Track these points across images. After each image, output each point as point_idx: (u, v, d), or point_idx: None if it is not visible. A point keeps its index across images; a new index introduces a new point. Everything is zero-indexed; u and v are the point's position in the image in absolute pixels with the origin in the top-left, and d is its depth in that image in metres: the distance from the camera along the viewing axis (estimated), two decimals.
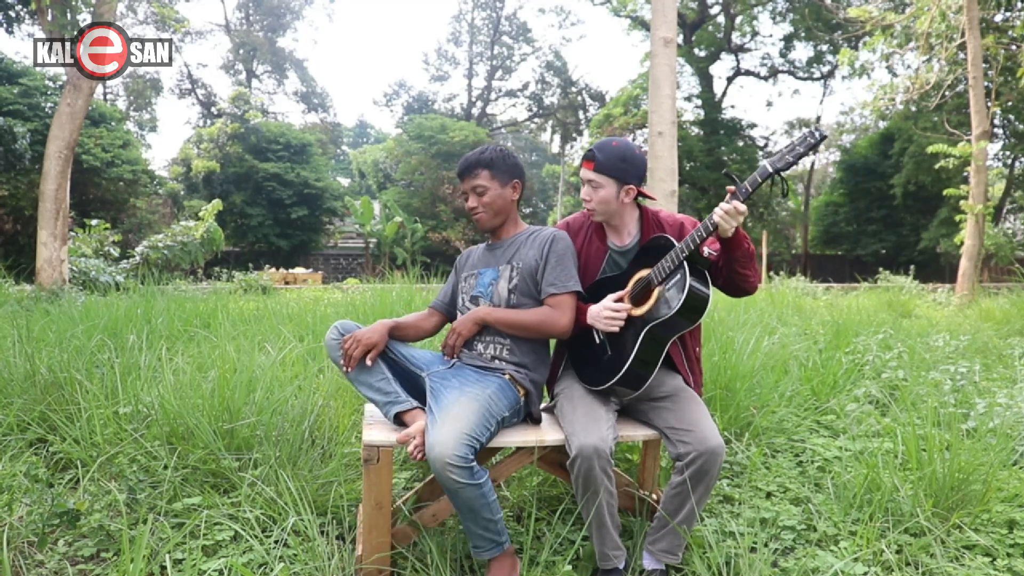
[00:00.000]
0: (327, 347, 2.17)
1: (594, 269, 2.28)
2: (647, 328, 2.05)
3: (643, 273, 2.12)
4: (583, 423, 2.01)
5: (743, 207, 1.92)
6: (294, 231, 23.49)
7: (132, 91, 31.27)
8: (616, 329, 2.10)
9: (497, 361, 2.17)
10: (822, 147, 32.55)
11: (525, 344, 2.19)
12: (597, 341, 2.19)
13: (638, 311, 2.10)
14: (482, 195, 2.24)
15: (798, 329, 5.44)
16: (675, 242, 2.05)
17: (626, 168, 2.16)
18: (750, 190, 1.92)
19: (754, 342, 3.89)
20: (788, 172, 1.93)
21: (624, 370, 2.07)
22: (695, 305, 2.00)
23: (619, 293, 2.15)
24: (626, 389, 2.13)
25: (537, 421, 2.19)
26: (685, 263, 1.99)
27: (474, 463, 1.82)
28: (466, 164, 2.26)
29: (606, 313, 2.10)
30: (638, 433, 2.17)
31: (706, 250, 2.05)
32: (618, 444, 2.75)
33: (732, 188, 1.94)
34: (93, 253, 11.07)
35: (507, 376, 2.13)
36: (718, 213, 1.93)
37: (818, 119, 29.28)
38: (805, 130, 1.91)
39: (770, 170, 1.88)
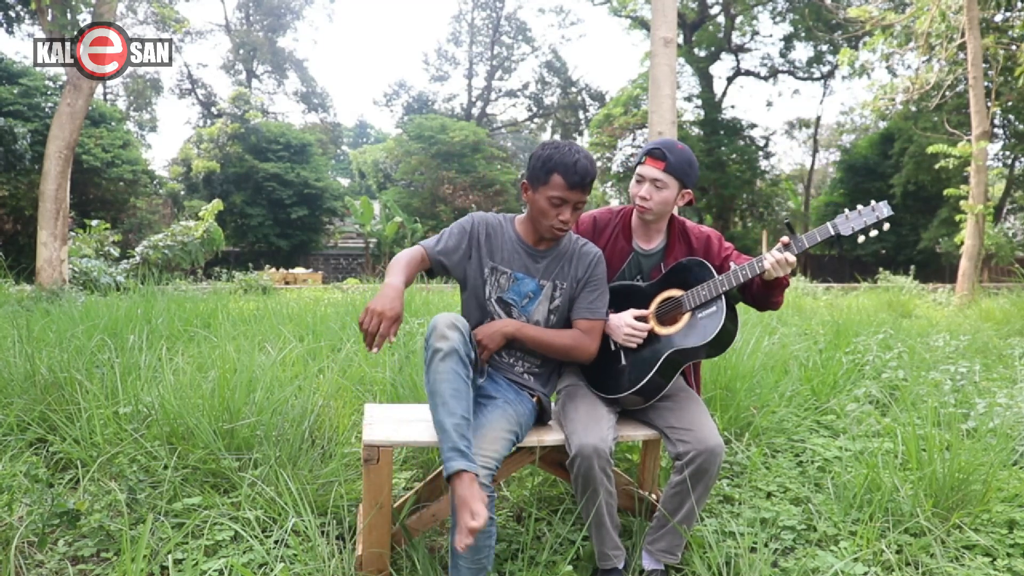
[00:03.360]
0: (437, 341, 1.78)
1: (615, 269, 2.26)
2: (670, 352, 2.06)
3: (674, 293, 2.12)
4: (584, 423, 2.01)
5: (793, 259, 1.96)
6: (294, 231, 23.47)
7: (132, 91, 31.27)
8: (634, 345, 2.11)
9: (526, 376, 2.12)
10: (822, 148, 32.61)
11: (551, 363, 2.16)
12: (612, 348, 2.18)
13: (663, 331, 2.10)
14: (579, 210, 2.01)
15: (798, 329, 5.44)
16: (713, 271, 2.06)
17: (690, 173, 2.15)
18: (806, 246, 1.96)
19: (754, 342, 3.90)
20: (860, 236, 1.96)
21: (641, 385, 2.08)
22: (724, 341, 2.03)
23: (642, 312, 2.15)
24: (638, 398, 2.14)
25: (548, 419, 2.19)
26: (723, 296, 2.01)
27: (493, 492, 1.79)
28: (589, 176, 1.94)
29: (626, 329, 2.11)
30: (638, 433, 2.17)
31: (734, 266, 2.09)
32: (618, 444, 2.76)
33: (787, 240, 1.98)
34: (93, 253, 11.07)
35: (535, 399, 2.11)
36: (769, 260, 1.97)
37: (818, 119, 29.28)
38: (872, 203, 1.94)
39: (832, 233, 1.94)
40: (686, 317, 2.07)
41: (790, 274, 2.05)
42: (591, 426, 1.99)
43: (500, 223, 2.13)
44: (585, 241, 2.16)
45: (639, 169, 2.17)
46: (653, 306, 2.15)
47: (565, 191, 1.94)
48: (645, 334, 2.10)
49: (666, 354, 2.06)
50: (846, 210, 1.98)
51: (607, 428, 2.01)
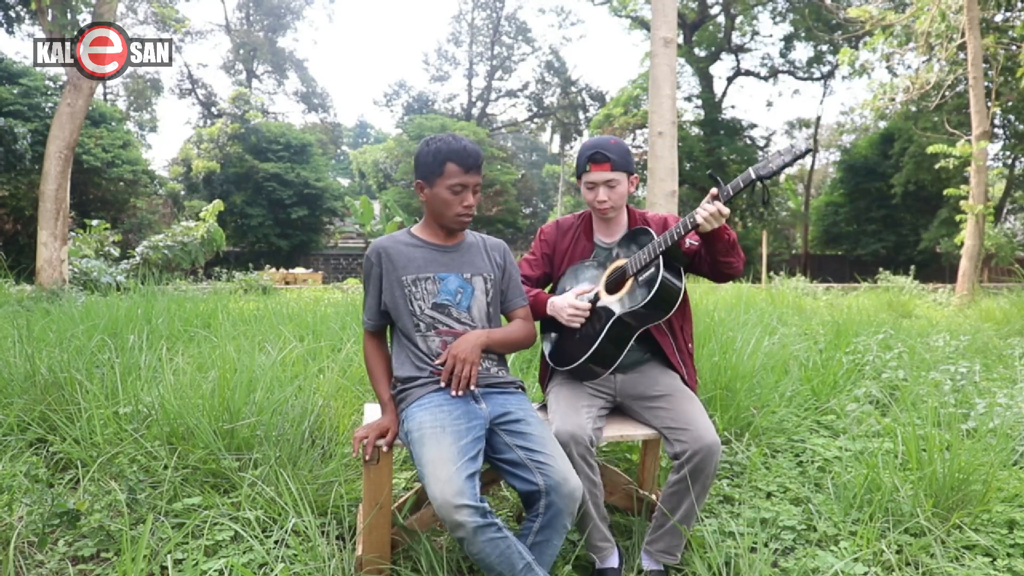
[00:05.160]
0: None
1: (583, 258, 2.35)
2: (615, 317, 2.11)
3: (620, 262, 2.18)
4: (563, 411, 2.06)
5: (725, 209, 1.96)
6: (294, 231, 23.48)
7: (132, 91, 31.27)
8: (577, 325, 2.16)
9: (500, 373, 2.13)
10: (822, 148, 32.62)
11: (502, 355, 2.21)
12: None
13: (608, 298, 2.16)
14: (477, 194, 2.04)
15: (798, 329, 5.44)
16: (655, 235, 2.10)
17: (631, 159, 2.23)
18: (731, 194, 1.96)
19: (754, 342, 3.89)
20: (782, 175, 1.95)
21: (592, 350, 2.12)
22: (666, 298, 2.04)
23: (584, 289, 2.21)
24: (598, 368, 2.18)
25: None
26: (661, 257, 2.04)
27: None
28: (480, 158, 2.02)
29: (569, 310, 2.16)
30: (638, 432, 2.17)
31: (687, 241, 2.11)
32: (618, 444, 2.75)
33: (715, 191, 1.98)
34: (93, 253, 11.08)
35: (519, 388, 2.14)
36: (700, 214, 1.97)
37: (818, 119, 29.26)
38: (793, 141, 1.94)
39: (753, 176, 1.92)
40: (629, 282, 2.12)
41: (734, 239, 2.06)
42: (570, 414, 2.04)
43: (394, 240, 2.12)
44: (487, 237, 2.21)
45: (586, 177, 2.20)
46: (604, 277, 2.21)
47: (463, 176, 1.99)
48: (587, 312, 2.15)
49: (611, 320, 2.10)
50: (769, 154, 1.97)
51: (586, 417, 2.04)
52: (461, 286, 2.08)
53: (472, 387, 1.97)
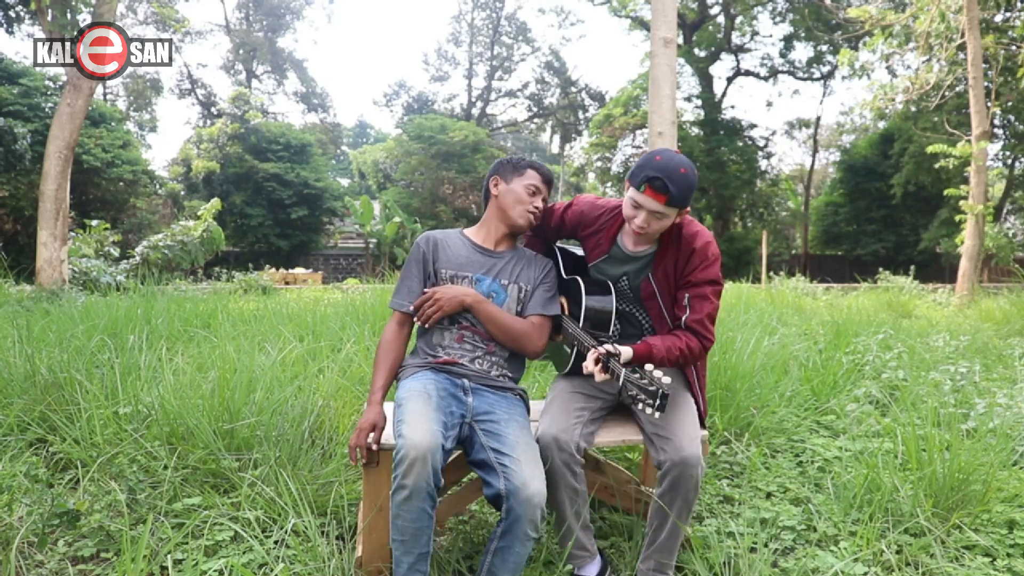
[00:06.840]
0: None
1: (592, 259, 2.23)
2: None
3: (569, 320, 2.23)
4: (552, 415, 2.04)
5: (599, 377, 1.86)
6: (294, 231, 23.46)
7: (132, 91, 31.25)
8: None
9: (503, 379, 2.13)
10: (822, 147, 32.63)
11: (514, 359, 2.17)
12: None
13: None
14: (544, 203, 2.24)
15: (798, 329, 5.44)
16: (582, 291, 2.13)
17: (689, 196, 1.96)
18: (606, 374, 1.87)
19: (754, 342, 3.89)
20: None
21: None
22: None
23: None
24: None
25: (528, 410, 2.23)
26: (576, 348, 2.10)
27: None
28: (552, 176, 2.26)
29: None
30: (638, 437, 2.15)
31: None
32: (624, 446, 2.74)
33: (601, 354, 1.86)
34: (93, 253, 11.07)
35: (518, 396, 2.14)
36: (585, 368, 1.90)
37: (818, 119, 29.28)
38: (660, 384, 1.71)
39: (620, 383, 1.81)
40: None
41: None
42: (558, 417, 2.01)
43: (447, 235, 2.22)
44: (538, 255, 2.27)
45: (636, 196, 1.95)
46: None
47: (540, 182, 2.20)
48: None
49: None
50: (644, 372, 1.77)
51: (576, 420, 2.00)
52: (494, 290, 2.13)
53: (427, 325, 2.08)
